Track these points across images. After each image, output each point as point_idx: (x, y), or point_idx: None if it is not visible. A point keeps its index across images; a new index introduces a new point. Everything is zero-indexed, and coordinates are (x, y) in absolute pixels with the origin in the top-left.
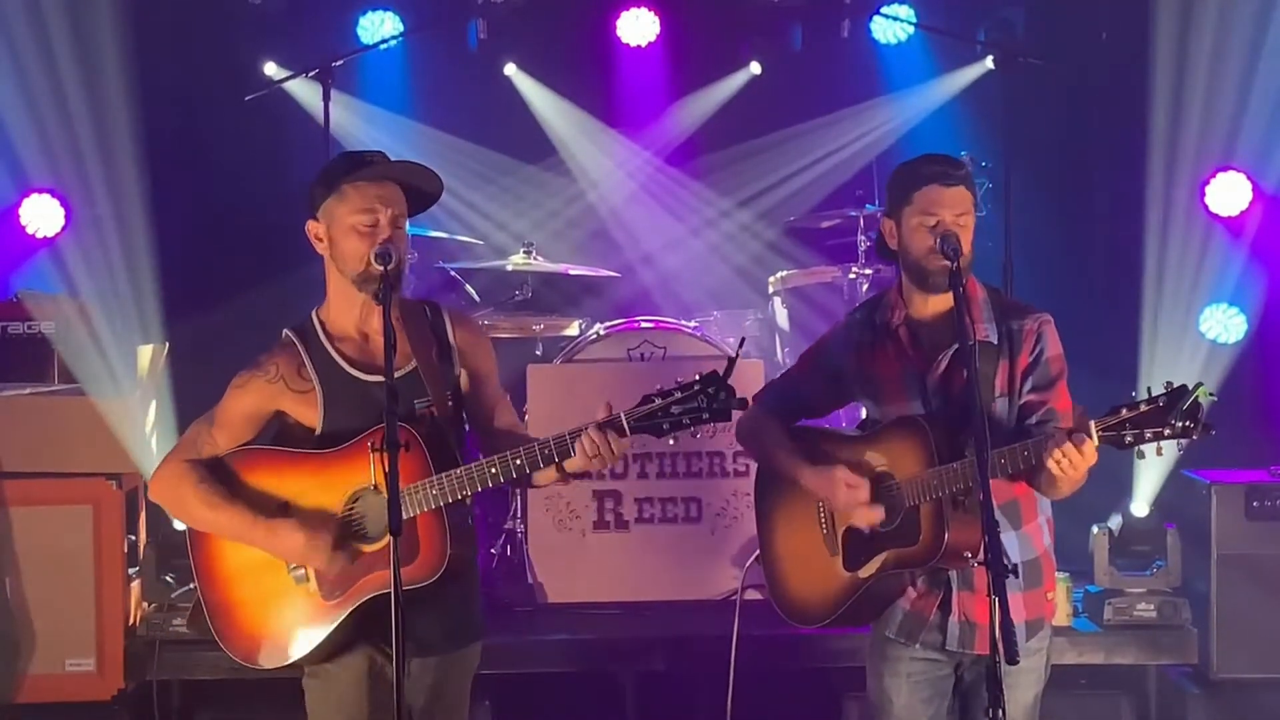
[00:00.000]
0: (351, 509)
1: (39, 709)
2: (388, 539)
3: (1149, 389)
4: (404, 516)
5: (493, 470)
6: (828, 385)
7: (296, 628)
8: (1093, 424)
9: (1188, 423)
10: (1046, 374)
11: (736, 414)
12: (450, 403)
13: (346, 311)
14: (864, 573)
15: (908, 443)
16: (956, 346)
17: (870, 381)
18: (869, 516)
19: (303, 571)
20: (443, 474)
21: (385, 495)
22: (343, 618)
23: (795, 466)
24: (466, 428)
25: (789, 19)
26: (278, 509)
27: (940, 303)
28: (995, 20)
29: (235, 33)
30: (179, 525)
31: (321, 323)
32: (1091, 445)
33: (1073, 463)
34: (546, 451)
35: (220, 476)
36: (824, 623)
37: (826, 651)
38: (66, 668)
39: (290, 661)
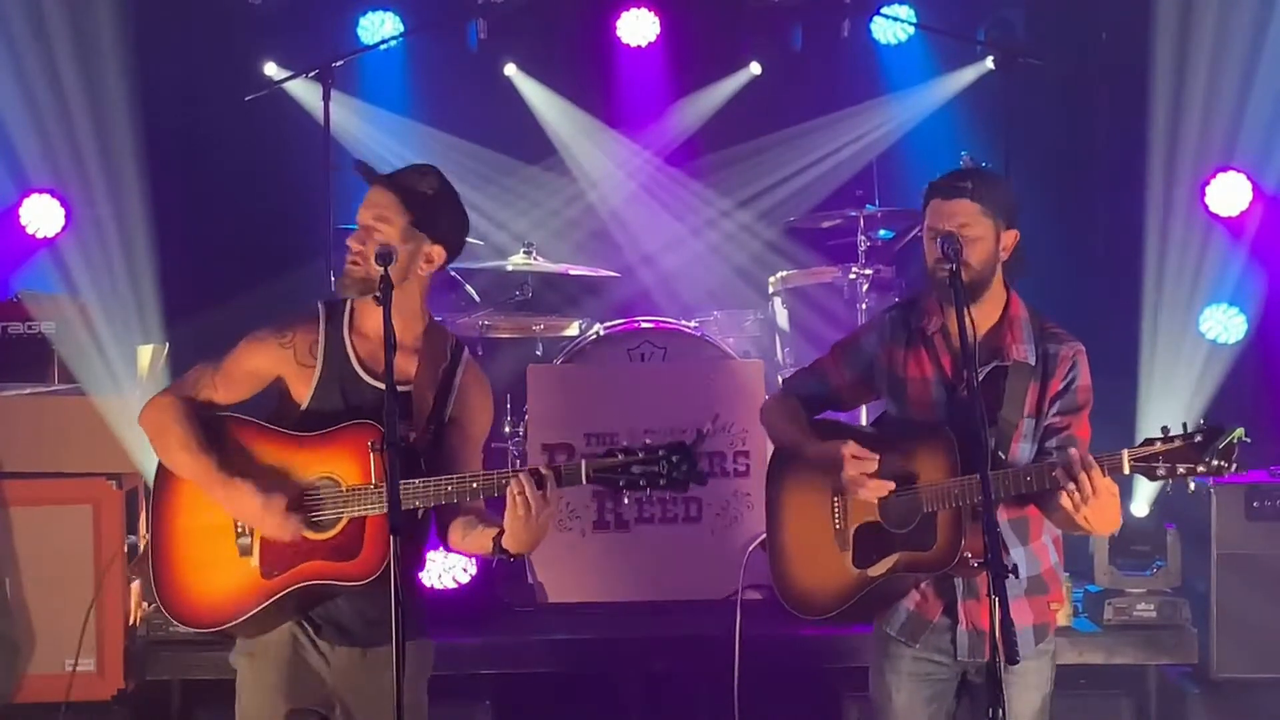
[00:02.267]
0: (309, 496)
1: (39, 709)
2: (334, 530)
3: (1184, 424)
4: (351, 516)
5: (448, 488)
6: (855, 379)
7: (230, 597)
8: (1125, 453)
9: (1222, 462)
10: (1074, 401)
11: (695, 487)
12: (429, 438)
13: (369, 311)
14: (874, 571)
15: (932, 450)
16: (992, 367)
17: (898, 382)
18: (877, 489)
19: (248, 541)
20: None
21: (343, 487)
22: (276, 597)
23: (804, 441)
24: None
25: (789, 19)
26: (243, 474)
27: (980, 320)
28: (995, 20)
29: (235, 33)
30: (151, 468)
31: (353, 311)
32: (1099, 472)
33: (1082, 495)
34: (483, 483)
35: (204, 426)
36: (826, 616)
37: (826, 651)
38: (66, 668)
39: (217, 629)
